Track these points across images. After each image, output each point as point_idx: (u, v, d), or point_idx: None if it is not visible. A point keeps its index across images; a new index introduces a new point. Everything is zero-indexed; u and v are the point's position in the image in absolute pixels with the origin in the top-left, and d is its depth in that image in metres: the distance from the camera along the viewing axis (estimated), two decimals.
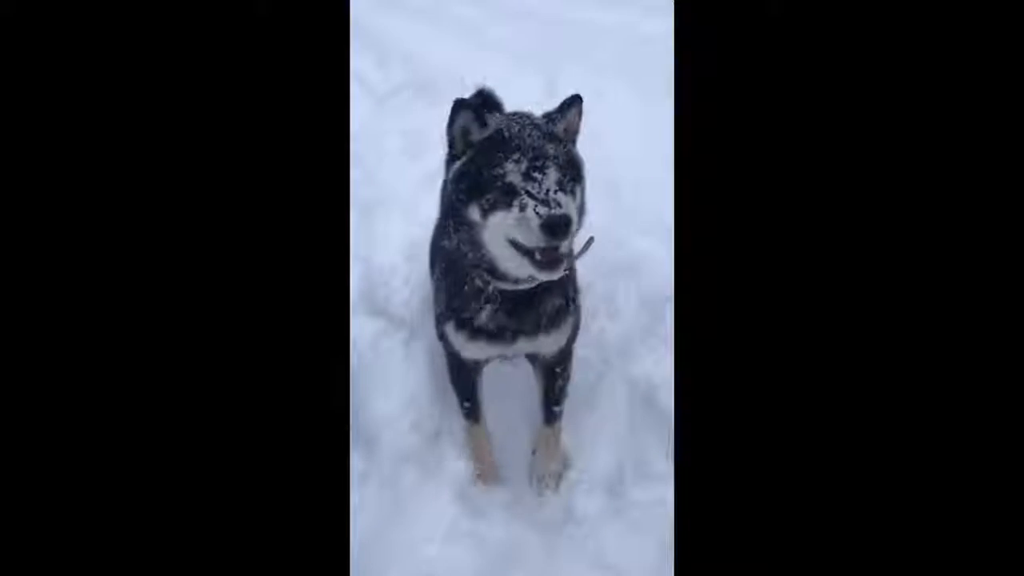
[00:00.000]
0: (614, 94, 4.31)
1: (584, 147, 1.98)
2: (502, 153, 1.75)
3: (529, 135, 1.78)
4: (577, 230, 1.76)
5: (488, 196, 1.75)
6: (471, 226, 1.82)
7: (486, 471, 2.42)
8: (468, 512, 2.29)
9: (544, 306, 2.04)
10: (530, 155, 1.74)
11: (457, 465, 2.45)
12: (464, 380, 2.34)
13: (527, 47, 6.34)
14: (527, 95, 2.90)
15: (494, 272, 1.90)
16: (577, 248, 1.91)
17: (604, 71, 4.97)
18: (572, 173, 1.81)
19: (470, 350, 2.15)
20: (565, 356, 2.28)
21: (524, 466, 2.46)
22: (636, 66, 4.91)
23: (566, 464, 2.43)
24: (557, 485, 2.39)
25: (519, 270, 1.84)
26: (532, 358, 2.31)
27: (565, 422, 2.42)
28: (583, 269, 2.26)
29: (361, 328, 2.89)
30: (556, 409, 2.37)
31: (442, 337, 2.20)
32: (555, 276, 1.77)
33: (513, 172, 1.73)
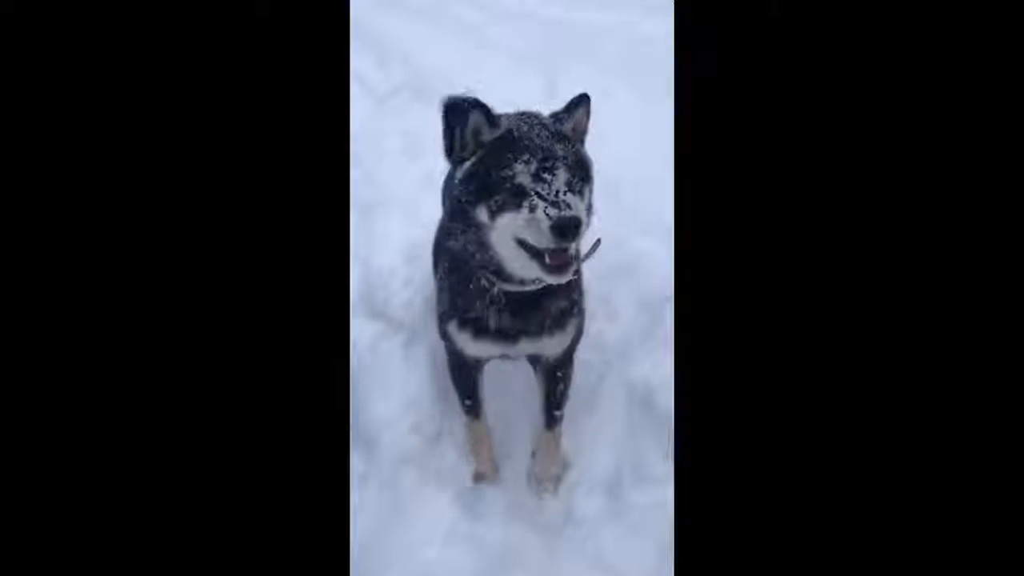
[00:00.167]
0: (614, 94, 4.30)
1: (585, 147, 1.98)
2: (511, 154, 1.74)
3: (538, 135, 1.78)
4: (585, 230, 1.76)
5: (497, 197, 1.74)
6: (479, 227, 1.81)
7: (485, 467, 2.42)
8: (467, 514, 2.29)
9: (549, 308, 2.03)
10: (539, 156, 1.73)
11: (457, 467, 2.45)
12: (465, 377, 2.34)
13: (527, 47, 6.33)
14: (527, 96, 2.89)
15: (501, 273, 1.89)
16: (584, 250, 1.91)
17: (604, 71, 4.96)
18: (581, 173, 1.81)
19: (473, 349, 2.15)
20: (567, 359, 2.27)
21: (523, 468, 2.46)
22: (636, 66, 4.90)
23: (565, 467, 2.43)
24: (556, 488, 2.39)
25: (526, 272, 1.84)
26: (534, 360, 2.31)
27: (564, 424, 2.42)
28: (583, 270, 2.25)
29: (360, 330, 2.89)
30: (557, 413, 2.36)
31: (445, 336, 2.19)
32: (564, 279, 1.77)
33: (523, 173, 1.72)
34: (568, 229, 1.65)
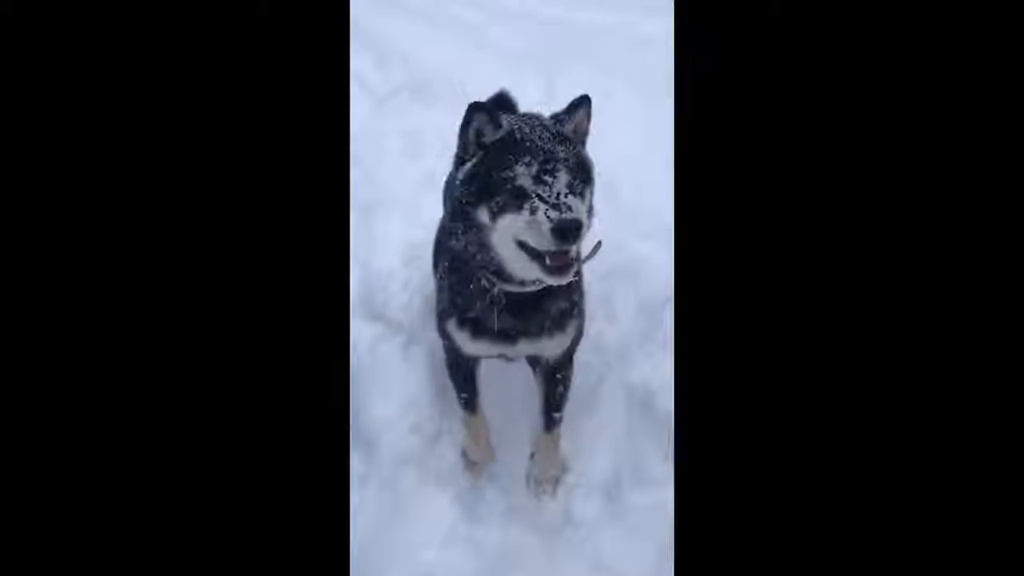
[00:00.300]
0: (614, 95, 4.30)
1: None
2: (513, 156, 1.74)
3: (540, 137, 1.78)
4: (586, 232, 1.76)
5: (498, 199, 1.74)
6: (480, 228, 1.82)
7: (481, 455, 2.42)
8: (466, 516, 2.29)
9: (548, 309, 2.03)
10: (541, 158, 1.73)
11: (456, 468, 2.45)
12: (462, 373, 2.34)
13: (527, 48, 6.33)
14: (526, 96, 2.89)
15: (501, 274, 1.90)
16: (585, 251, 1.91)
17: (604, 72, 4.96)
18: (582, 175, 1.81)
19: (471, 348, 2.15)
20: (567, 361, 2.27)
21: (522, 470, 2.45)
22: (636, 67, 4.90)
23: (564, 468, 2.42)
24: (555, 489, 2.39)
25: (527, 273, 1.84)
26: (534, 362, 2.30)
27: (563, 426, 2.42)
28: (584, 272, 2.25)
29: (359, 332, 2.89)
30: (556, 415, 2.36)
31: (444, 334, 2.19)
32: (564, 281, 1.77)
33: (524, 175, 1.72)
34: (569, 232, 1.65)
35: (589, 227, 1.80)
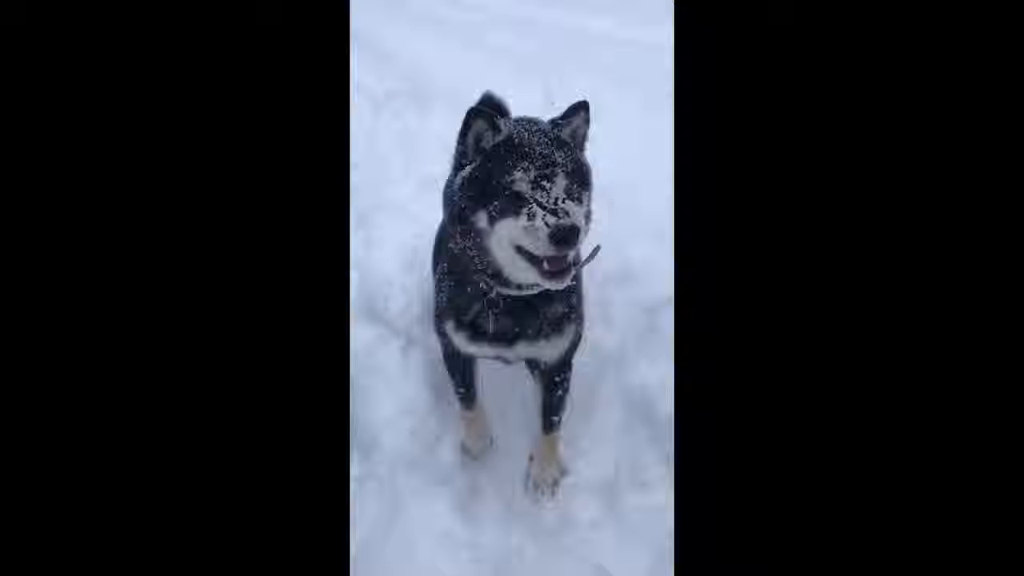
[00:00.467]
0: (614, 101, 4.32)
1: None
2: (511, 161, 1.75)
3: (538, 142, 1.78)
4: (584, 237, 1.77)
5: (496, 203, 1.75)
6: (478, 232, 1.82)
7: (477, 442, 2.45)
8: (465, 519, 2.28)
9: (546, 312, 2.04)
10: (539, 163, 1.74)
11: (455, 470, 2.45)
12: (459, 367, 2.35)
13: (527, 54, 6.35)
14: (527, 102, 2.90)
15: (499, 277, 1.90)
16: (583, 255, 1.92)
17: (604, 78, 4.98)
18: (580, 180, 1.82)
19: (469, 349, 2.16)
20: (565, 364, 2.27)
21: (521, 473, 2.46)
22: (636, 73, 4.92)
23: (563, 471, 2.43)
24: (554, 492, 2.39)
25: (525, 277, 1.84)
26: (532, 365, 2.31)
27: (562, 429, 2.42)
28: (582, 276, 2.26)
29: (358, 336, 2.89)
30: (555, 419, 2.36)
31: (441, 333, 2.20)
32: (562, 285, 1.78)
33: (522, 180, 1.73)
34: (566, 237, 1.66)
35: (587, 232, 1.81)
